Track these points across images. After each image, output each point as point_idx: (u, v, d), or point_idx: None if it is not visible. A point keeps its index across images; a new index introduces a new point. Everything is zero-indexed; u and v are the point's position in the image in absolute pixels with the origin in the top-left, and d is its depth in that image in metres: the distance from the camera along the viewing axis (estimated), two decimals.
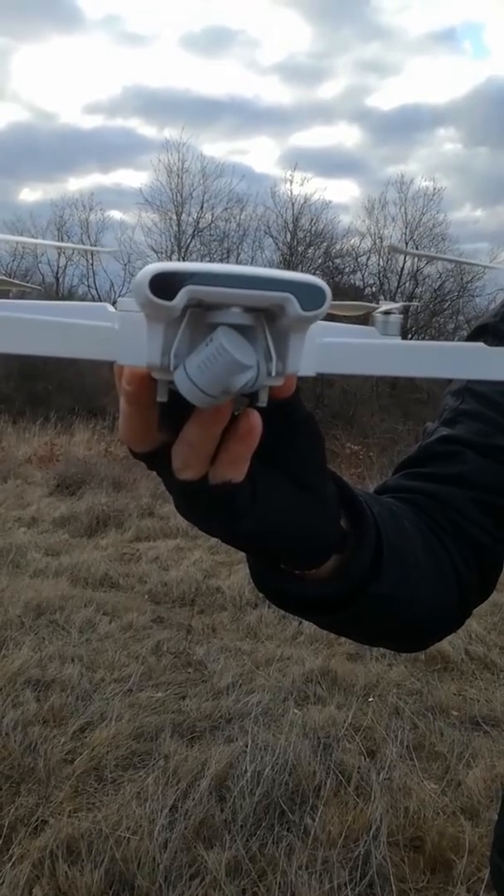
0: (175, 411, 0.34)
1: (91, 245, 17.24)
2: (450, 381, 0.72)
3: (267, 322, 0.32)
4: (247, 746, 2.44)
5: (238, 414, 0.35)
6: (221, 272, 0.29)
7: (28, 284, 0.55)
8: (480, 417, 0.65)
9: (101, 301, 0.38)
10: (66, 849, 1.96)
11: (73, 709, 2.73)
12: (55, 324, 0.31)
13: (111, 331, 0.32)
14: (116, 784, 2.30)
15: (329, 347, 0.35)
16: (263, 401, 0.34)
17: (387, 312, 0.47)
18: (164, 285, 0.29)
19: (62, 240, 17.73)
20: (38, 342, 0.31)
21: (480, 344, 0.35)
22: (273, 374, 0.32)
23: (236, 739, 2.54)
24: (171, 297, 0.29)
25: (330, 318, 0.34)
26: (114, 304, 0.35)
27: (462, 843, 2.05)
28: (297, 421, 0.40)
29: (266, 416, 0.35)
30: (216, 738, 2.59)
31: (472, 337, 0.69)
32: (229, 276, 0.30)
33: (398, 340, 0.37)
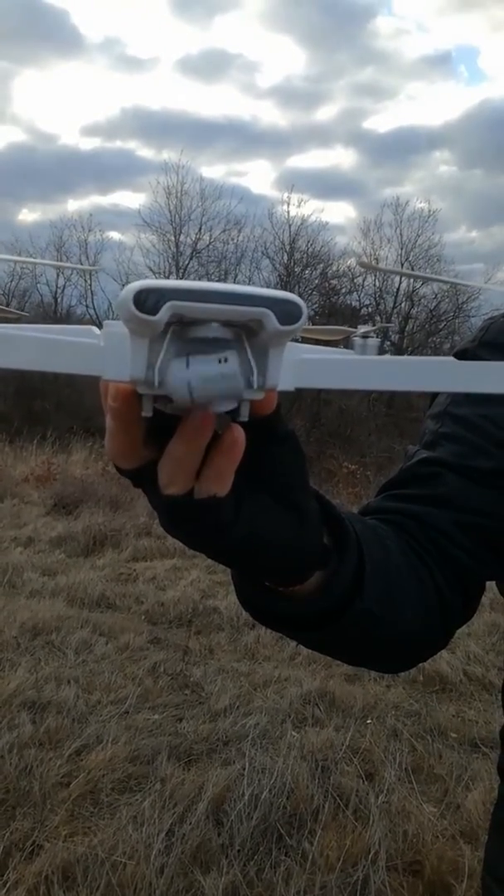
0: (160, 428, 0.35)
1: (91, 265, 17.32)
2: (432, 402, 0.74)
3: (247, 337, 0.33)
4: (244, 769, 2.42)
5: (221, 431, 0.36)
6: (202, 289, 0.31)
7: (20, 312, 0.56)
8: (460, 440, 0.66)
9: (98, 321, 0.39)
10: (61, 874, 1.94)
11: (68, 731, 2.71)
12: (43, 339, 0.32)
13: (96, 347, 0.33)
14: (112, 808, 2.28)
15: (307, 363, 0.36)
16: (245, 415, 0.35)
17: (365, 336, 0.49)
18: (148, 301, 0.30)
19: (61, 260, 17.82)
20: (26, 356, 0.32)
21: (450, 358, 0.37)
22: (254, 387, 0.34)
23: (234, 762, 2.52)
24: (154, 312, 0.30)
25: (315, 342, 0.35)
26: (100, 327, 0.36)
27: (461, 866, 2.03)
28: (279, 438, 0.41)
29: (249, 433, 0.36)
30: (213, 760, 2.57)
31: None
32: (209, 292, 0.31)
33: (373, 356, 0.39)
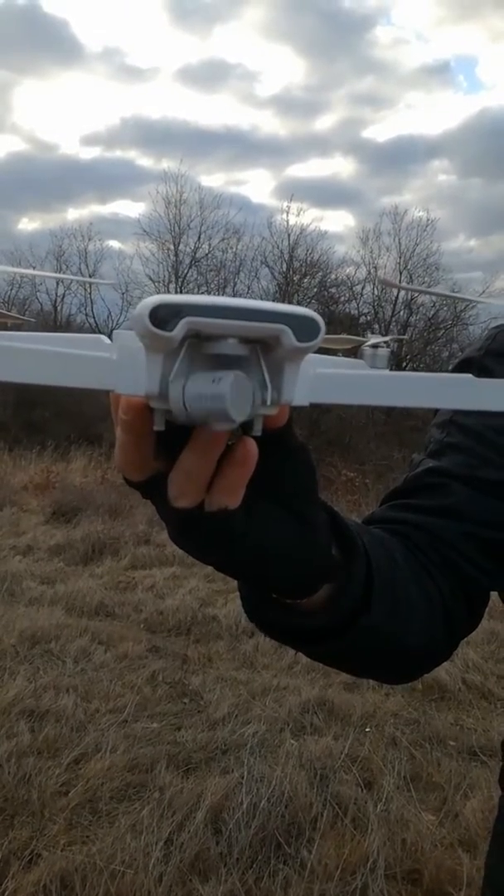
0: (171, 440, 0.35)
1: (90, 274, 17.37)
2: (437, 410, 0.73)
3: (262, 352, 0.33)
4: (243, 778, 2.42)
5: (233, 442, 0.36)
6: (219, 304, 0.30)
7: (23, 317, 0.56)
8: (466, 450, 0.66)
9: (98, 330, 0.39)
10: (60, 883, 1.93)
11: (67, 740, 2.71)
12: (55, 353, 0.31)
13: (109, 361, 0.32)
14: (111, 816, 2.27)
15: (322, 378, 0.35)
16: (258, 430, 0.35)
17: (375, 346, 0.49)
18: (164, 316, 0.30)
19: (61, 269, 17.87)
20: (39, 371, 0.31)
21: (468, 375, 0.36)
22: (268, 403, 0.33)
23: (232, 771, 2.52)
24: (170, 328, 0.30)
25: (320, 350, 0.36)
26: (110, 335, 0.36)
27: (460, 875, 2.02)
28: (289, 450, 0.40)
29: (259, 445, 0.36)
30: (212, 769, 2.57)
31: (456, 370, 0.70)
32: (226, 308, 0.31)
33: (389, 372, 0.38)
